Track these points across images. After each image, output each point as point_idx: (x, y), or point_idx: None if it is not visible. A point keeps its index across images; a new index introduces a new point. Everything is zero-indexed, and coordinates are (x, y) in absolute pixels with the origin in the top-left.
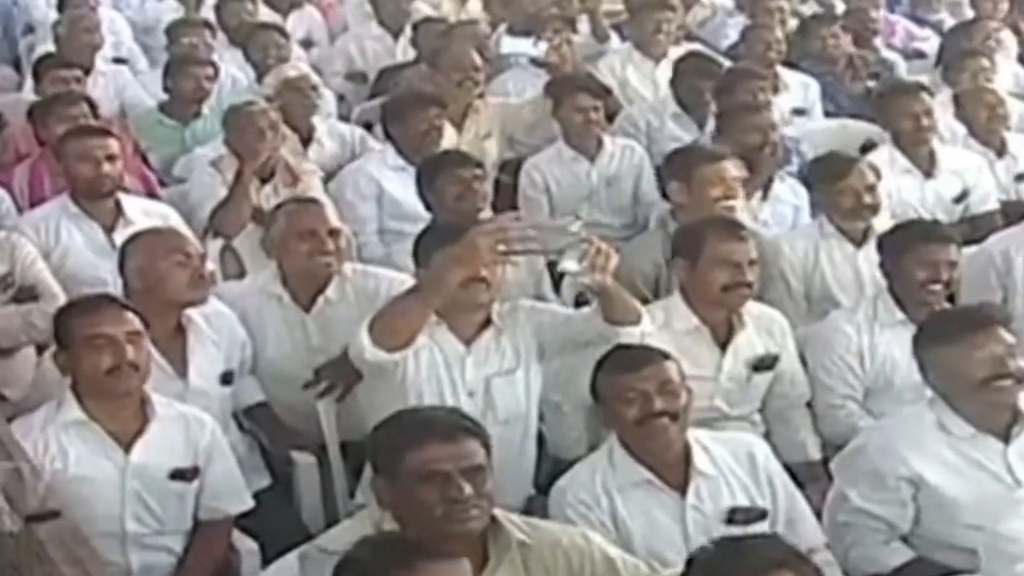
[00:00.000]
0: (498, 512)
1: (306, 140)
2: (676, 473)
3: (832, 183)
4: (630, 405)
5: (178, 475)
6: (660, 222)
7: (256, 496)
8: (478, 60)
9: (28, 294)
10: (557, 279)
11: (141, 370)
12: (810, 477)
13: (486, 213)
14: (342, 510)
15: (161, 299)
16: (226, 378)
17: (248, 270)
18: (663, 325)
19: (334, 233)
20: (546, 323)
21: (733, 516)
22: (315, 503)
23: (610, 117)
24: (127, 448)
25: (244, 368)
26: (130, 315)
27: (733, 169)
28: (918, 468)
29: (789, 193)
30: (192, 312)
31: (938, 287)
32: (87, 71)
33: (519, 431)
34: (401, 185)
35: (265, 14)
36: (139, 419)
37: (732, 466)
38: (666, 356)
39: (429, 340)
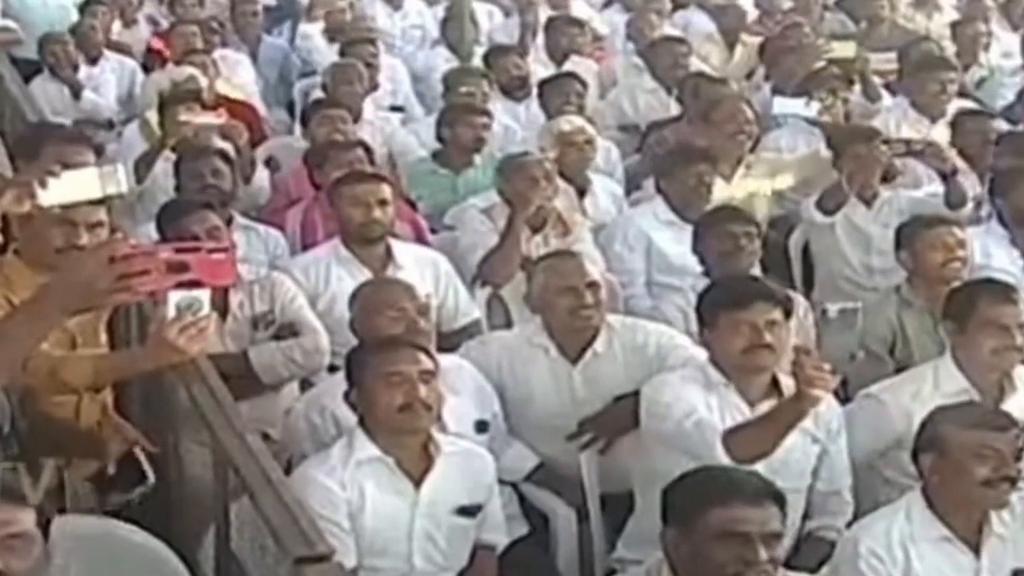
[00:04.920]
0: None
1: (581, 192)
2: (972, 533)
3: None
4: (983, 462)
5: (464, 511)
6: (895, 286)
7: (513, 545)
8: (751, 114)
9: (289, 331)
10: None
11: (432, 409)
12: None
13: (755, 270)
14: (599, 563)
15: None
16: (481, 426)
17: (515, 320)
18: (932, 387)
19: (593, 286)
20: None
21: None
22: (572, 555)
23: (887, 178)
24: (417, 485)
25: (498, 421)
26: (424, 356)
27: (958, 233)
28: None
29: None
30: None
31: None
32: (355, 118)
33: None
34: (670, 239)
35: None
36: (426, 456)
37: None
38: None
39: (718, 400)
